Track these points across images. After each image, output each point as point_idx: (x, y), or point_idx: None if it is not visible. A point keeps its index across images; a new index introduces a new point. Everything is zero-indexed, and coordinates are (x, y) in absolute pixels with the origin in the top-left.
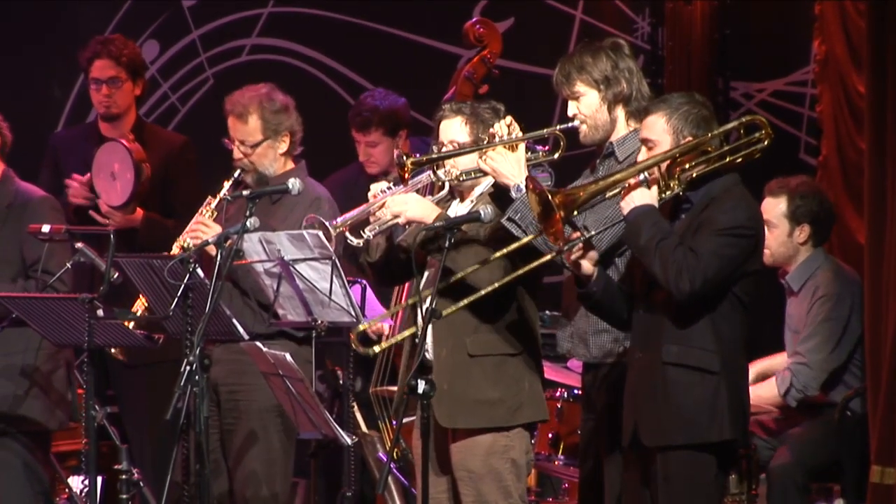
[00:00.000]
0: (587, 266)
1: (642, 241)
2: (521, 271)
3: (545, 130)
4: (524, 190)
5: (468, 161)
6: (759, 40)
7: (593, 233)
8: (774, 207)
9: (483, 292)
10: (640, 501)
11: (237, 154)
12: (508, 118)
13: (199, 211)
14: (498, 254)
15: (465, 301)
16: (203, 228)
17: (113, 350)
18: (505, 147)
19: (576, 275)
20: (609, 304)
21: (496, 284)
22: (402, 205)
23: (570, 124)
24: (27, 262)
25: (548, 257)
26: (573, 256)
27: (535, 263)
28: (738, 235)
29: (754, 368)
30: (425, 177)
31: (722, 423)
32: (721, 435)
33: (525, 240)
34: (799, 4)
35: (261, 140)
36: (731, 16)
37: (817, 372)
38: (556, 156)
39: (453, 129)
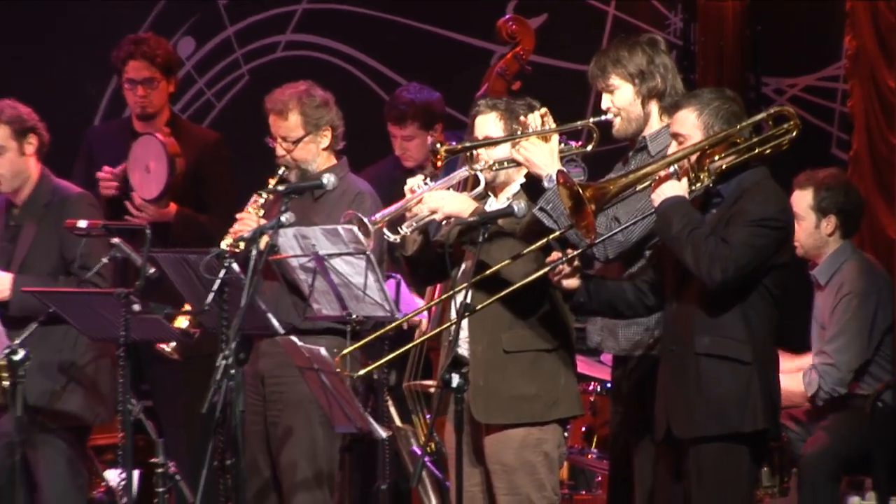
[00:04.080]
0: (572, 283)
1: (674, 232)
2: (554, 265)
3: (578, 123)
4: (556, 180)
5: (502, 152)
6: (791, 36)
7: (623, 226)
8: (801, 200)
9: (516, 286)
10: (673, 496)
11: (280, 151)
12: (543, 109)
13: (245, 208)
14: (531, 248)
15: (498, 295)
16: (247, 224)
17: (168, 349)
18: (538, 138)
19: (562, 291)
20: (605, 303)
21: (529, 278)
22: (439, 200)
23: (603, 117)
24: (66, 259)
25: (579, 251)
26: (556, 278)
27: (567, 257)
28: (770, 227)
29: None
30: (461, 173)
31: (755, 413)
32: (754, 425)
33: (557, 234)
34: (830, 1)
35: (302, 135)
36: (763, 12)
37: (844, 373)
38: (590, 148)
39: (488, 125)
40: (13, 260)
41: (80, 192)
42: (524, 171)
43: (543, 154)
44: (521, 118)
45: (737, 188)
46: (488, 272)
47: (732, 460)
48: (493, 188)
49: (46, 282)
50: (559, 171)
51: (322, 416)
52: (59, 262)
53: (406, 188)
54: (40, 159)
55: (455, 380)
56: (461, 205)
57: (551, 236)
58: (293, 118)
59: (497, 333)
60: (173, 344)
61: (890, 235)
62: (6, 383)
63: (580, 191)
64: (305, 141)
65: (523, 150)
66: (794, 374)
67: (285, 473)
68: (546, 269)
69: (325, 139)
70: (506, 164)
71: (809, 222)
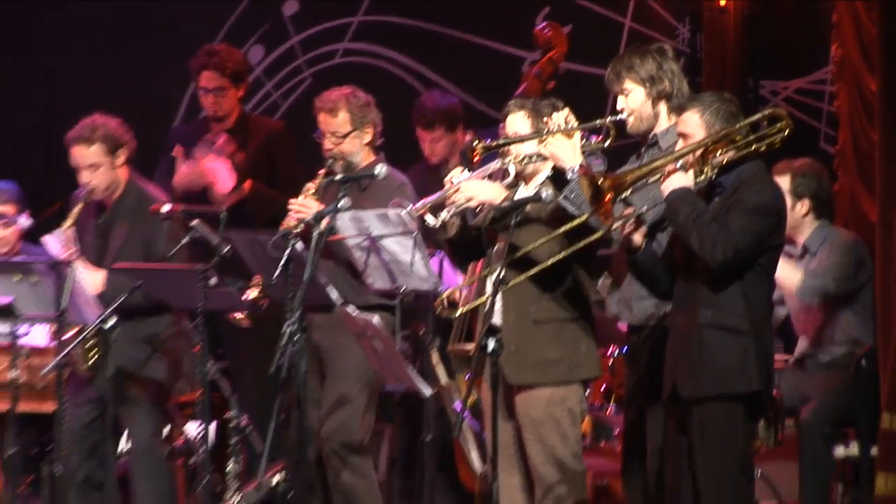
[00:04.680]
0: (637, 239)
1: (681, 218)
2: (576, 246)
3: (597, 121)
4: (578, 172)
5: (530, 148)
6: (784, 44)
7: (644, 209)
8: (779, 185)
9: (545, 265)
10: (679, 449)
11: (328, 145)
12: (566, 109)
13: (302, 195)
14: (557, 231)
15: (529, 273)
16: (305, 209)
17: (240, 317)
18: (562, 135)
19: (626, 246)
20: (652, 272)
21: (556, 257)
22: (474, 189)
23: (619, 116)
24: (151, 256)
25: (598, 234)
26: (626, 231)
27: (588, 239)
28: (765, 213)
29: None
30: (494, 165)
31: (750, 376)
32: (749, 386)
33: (579, 220)
34: (819, 13)
35: (349, 131)
36: (760, 23)
37: (834, 284)
38: (607, 144)
39: (517, 123)
40: (104, 256)
41: (164, 195)
42: (550, 163)
43: (567, 149)
44: (546, 118)
45: (736, 179)
46: (519, 254)
47: (730, 417)
48: (524, 178)
49: (133, 280)
50: (581, 164)
51: (366, 382)
52: (145, 260)
53: (445, 179)
54: (129, 165)
55: (490, 345)
56: (493, 193)
57: (573, 222)
58: (342, 116)
59: (526, 305)
60: (244, 313)
61: (871, 219)
62: (94, 350)
63: (599, 181)
64: (351, 136)
65: (549, 146)
66: (793, 267)
67: (331, 430)
68: (572, 250)
69: (368, 136)
70: (534, 158)
71: (790, 202)
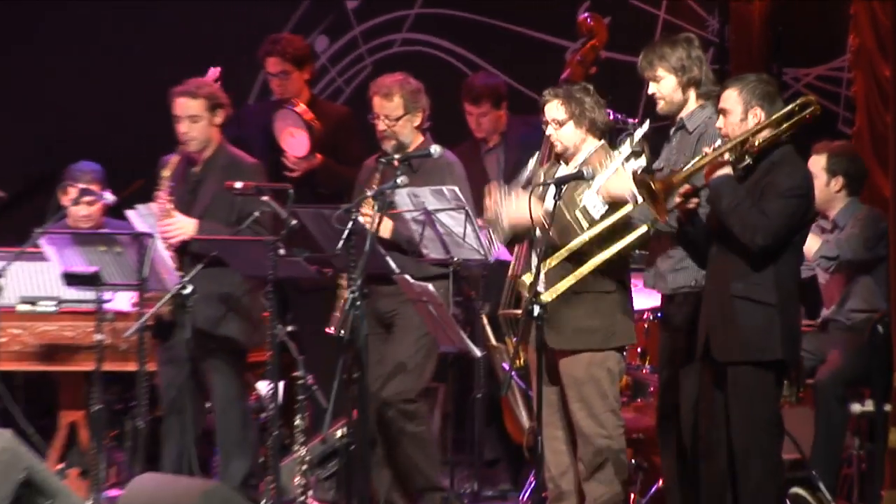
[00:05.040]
0: (692, 204)
1: (723, 205)
2: (625, 242)
3: (626, 140)
4: (639, 198)
5: (571, 135)
6: (805, 34)
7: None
8: (817, 162)
9: (581, 240)
10: (714, 402)
11: (381, 127)
12: (602, 103)
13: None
14: (606, 222)
15: (570, 245)
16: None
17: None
18: (613, 174)
19: (681, 220)
20: (698, 243)
21: (608, 253)
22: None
23: (643, 128)
24: (240, 214)
25: (644, 228)
26: (688, 206)
27: (633, 236)
28: (798, 195)
29: None
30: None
31: (775, 345)
32: (773, 355)
33: (624, 211)
34: (837, 5)
35: (402, 114)
36: (783, 14)
37: (851, 254)
38: (646, 126)
39: (553, 110)
40: (193, 208)
41: (252, 161)
42: (590, 144)
43: (620, 184)
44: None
45: (768, 160)
46: (573, 244)
47: (759, 382)
48: (565, 158)
49: (221, 229)
50: (633, 174)
51: (423, 343)
52: (231, 215)
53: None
54: (221, 131)
55: (536, 311)
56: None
57: (620, 214)
58: (396, 100)
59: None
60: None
61: (885, 194)
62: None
63: (652, 185)
64: (404, 119)
65: (607, 193)
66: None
67: (390, 388)
68: (622, 245)
69: (418, 119)
70: (599, 204)
71: (821, 181)
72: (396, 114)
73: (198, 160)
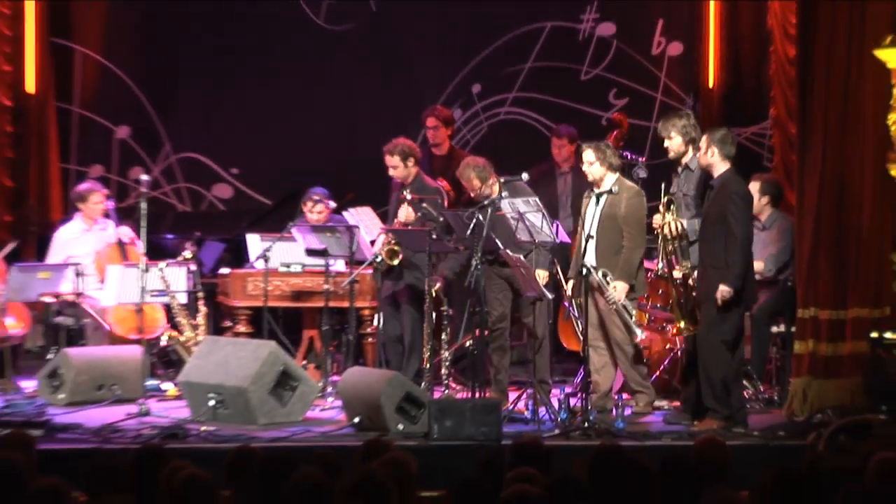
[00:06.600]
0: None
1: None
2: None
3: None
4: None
5: (598, 171)
6: (744, 106)
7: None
8: (753, 186)
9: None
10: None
11: (476, 185)
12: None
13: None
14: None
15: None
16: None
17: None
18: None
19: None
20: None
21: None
22: None
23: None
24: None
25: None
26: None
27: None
28: (747, 199)
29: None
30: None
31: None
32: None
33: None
34: (762, 90)
35: (480, 185)
36: (731, 96)
37: (782, 260)
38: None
39: (588, 155)
40: (396, 219)
41: (434, 185)
42: (609, 175)
43: (621, 292)
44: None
45: (720, 180)
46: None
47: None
48: (595, 184)
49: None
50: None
51: (508, 290)
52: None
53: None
54: (418, 166)
55: (584, 271)
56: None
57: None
58: (472, 178)
59: (606, 250)
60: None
61: (792, 203)
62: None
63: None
64: (484, 186)
65: (617, 301)
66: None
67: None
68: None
69: (491, 180)
70: (617, 303)
71: (756, 197)
72: (477, 185)
73: (405, 182)
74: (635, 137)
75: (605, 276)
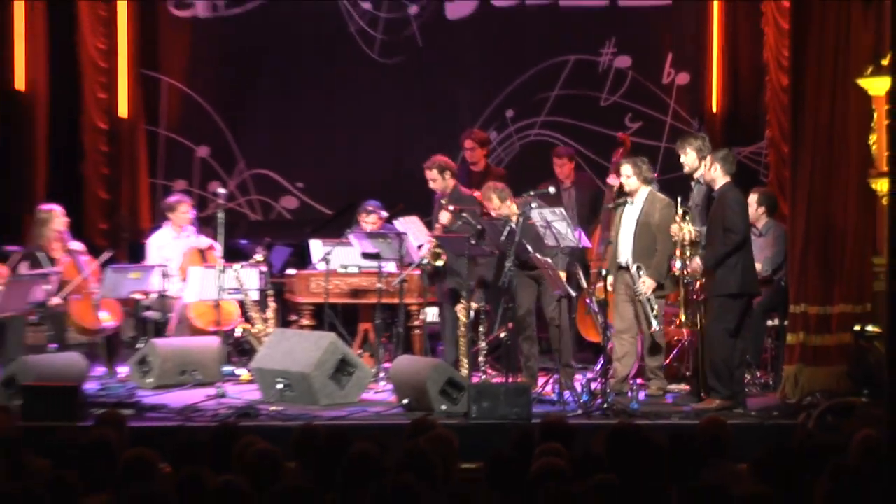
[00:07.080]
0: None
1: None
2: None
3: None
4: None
5: (634, 183)
6: (743, 128)
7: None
8: (752, 197)
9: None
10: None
11: (496, 206)
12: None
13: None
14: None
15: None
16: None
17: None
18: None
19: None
20: None
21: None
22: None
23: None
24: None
25: None
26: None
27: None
28: (743, 206)
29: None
30: None
31: (741, 286)
32: (731, 290)
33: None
34: (760, 114)
35: (500, 204)
36: (732, 119)
37: (777, 262)
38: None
39: (626, 169)
40: (437, 223)
41: (469, 194)
42: (643, 188)
43: (649, 287)
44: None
45: (719, 191)
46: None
47: (724, 305)
48: (630, 195)
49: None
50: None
51: (534, 288)
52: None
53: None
54: (456, 179)
55: (625, 262)
56: None
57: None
58: (496, 200)
59: (642, 257)
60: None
61: (785, 212)
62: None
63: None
64: (504, 206)
65: (646, 293)
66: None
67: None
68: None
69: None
70: (646, 295)
71: (753, 207)
72: (497, 206)
73: (444, 193)
74: (649, 155)
75: (638, 269)
